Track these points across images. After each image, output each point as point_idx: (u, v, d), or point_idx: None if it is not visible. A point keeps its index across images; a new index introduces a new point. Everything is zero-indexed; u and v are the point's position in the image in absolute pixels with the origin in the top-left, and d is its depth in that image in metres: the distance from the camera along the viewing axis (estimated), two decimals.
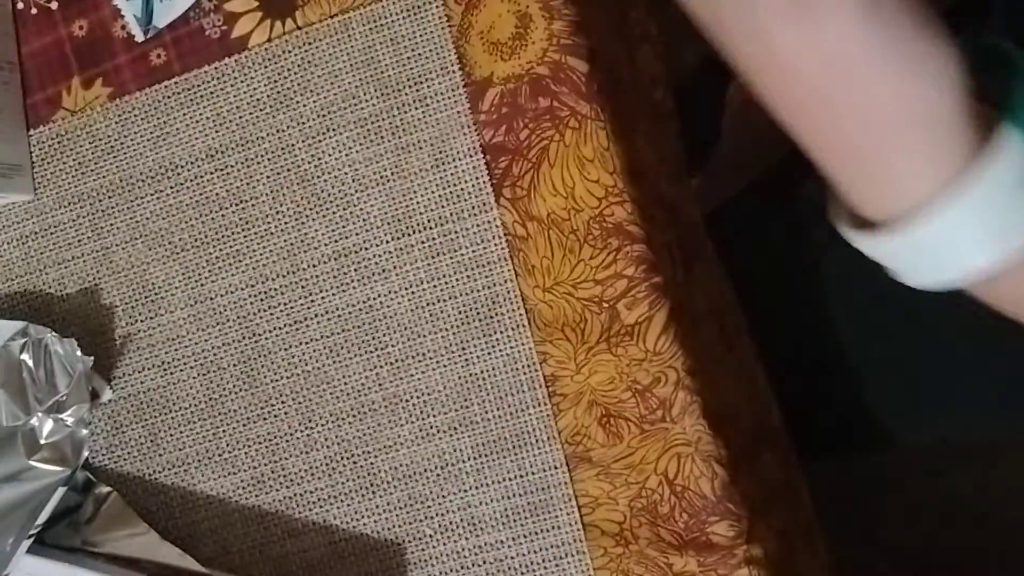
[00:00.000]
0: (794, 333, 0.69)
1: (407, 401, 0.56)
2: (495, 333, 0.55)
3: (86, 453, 0.59)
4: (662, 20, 0.64)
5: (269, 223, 0.58)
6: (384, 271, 0.56)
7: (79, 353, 0.58)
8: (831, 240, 0.43)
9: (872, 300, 0.65)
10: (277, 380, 0.58)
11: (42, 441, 0.58)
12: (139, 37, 0.59)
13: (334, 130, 0.57)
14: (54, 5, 0.61)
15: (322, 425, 0.57)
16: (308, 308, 0.57)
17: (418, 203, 0.56)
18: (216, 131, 0.58)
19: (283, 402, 0.58)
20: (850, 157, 0.39)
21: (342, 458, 0.57)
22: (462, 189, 0.55)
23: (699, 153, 1.05)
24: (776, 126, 0.41)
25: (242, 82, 0.58)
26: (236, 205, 0.58)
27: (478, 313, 0.55)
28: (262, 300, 0.58)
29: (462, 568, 0.55)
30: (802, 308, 0.70)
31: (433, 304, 0.55)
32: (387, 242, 0.56)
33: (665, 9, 0.50)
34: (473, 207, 0.55)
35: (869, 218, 0.40)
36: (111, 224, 0.60)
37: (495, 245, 0.55)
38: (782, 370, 0.64)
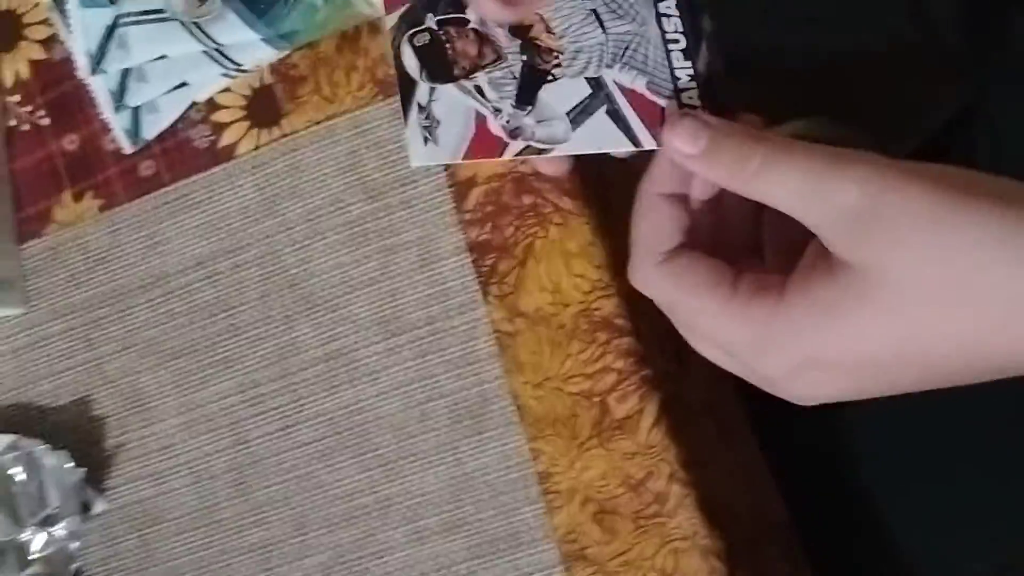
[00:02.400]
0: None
1: (399, 503, 0.55)
2: (486, 431, 0.54)
3: (76, 565, 0.58)
4: None
5: (259, 328, 0.58)
6: (373, 372, 0.56)
7: (71, 465, 0.57)
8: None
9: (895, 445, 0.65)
10: (268, 486, 0.57)
11: (32, 556, 0.57)
12: (128, 149, 0.60)
13: (321, 234, 0.57)
14: (46, 122, 0.62)
15: (315, 530, 0.56)
16: (298, 412, 0.57)
17: (406, 303, 0.56)
18: (206, 239, 0.59)
19: (275, 508, 0.57)
20: None
21: (336, 564, 0.56)
22: (450, 288, 0.55)
23: None
24: None
25: (230, 190, 0.59)
26: (226, 311, 0.58)
27: (469, 411, 0.55)
28: (253, 406, 0.58)
29: None
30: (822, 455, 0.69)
31: (423, 404, 0.55)
32: (376, 343, 0.56)
33: None
34: (461, 305, 0.55)
35: None
36: (103, 334, 0.60)
37: (484, 343, 0.55)
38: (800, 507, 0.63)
